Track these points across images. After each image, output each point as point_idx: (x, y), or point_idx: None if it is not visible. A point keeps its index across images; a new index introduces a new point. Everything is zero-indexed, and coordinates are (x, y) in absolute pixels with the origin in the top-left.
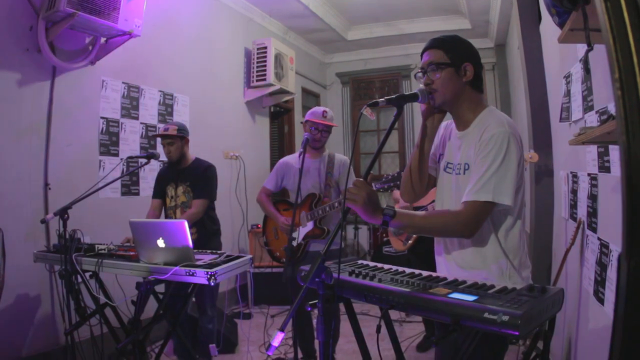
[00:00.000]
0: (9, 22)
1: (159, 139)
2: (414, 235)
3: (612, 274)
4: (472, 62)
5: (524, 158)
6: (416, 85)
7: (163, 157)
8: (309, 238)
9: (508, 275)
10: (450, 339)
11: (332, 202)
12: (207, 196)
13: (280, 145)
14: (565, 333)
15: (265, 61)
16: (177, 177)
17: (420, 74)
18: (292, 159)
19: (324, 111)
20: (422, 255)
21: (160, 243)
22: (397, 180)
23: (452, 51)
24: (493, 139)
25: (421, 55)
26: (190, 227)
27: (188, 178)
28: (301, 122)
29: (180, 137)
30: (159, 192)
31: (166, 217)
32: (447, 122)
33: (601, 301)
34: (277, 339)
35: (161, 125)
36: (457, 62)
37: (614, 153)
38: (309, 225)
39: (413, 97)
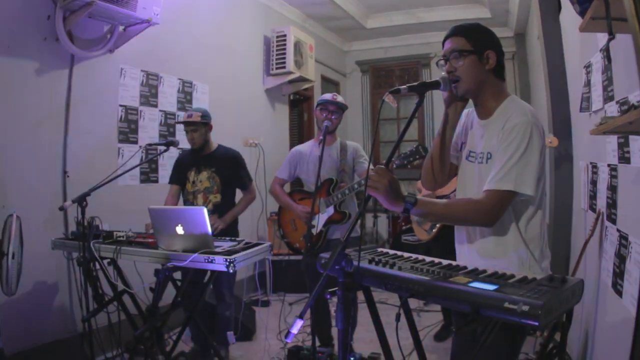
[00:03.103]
0: (27, 11)
1: (178, 126)
2: (438, 225)
3: (631, 266)
4: (494, 49)
5: (545, 147)
6: (436, 74)
7: (182, 145)
8: (330, 224)
9: (528, 265)
10: (468, 328)
11: (351, 184)
12: (250, 180)
13: (300, 132)
14: (583, 325)
15: (284, 49)
16: (200, 163)
17: (442, 62)
18: (304, 147)
19: (334, 94)
20: (445, 244)
21: (179, 230)
22: (415, 155)
23: (475, 39)
24: (516, 128)
25: (443, 43)
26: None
27: (214, 164)
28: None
29: (203, 123)
30: (178, 177)
31: (185, 202)
32: (469, 110)
33: (619, 293)
34: (296, 326)
35: (180, 113)
36: (479, 49)
37: (635, 144)
38: (329, 211)
39: (435, 85)
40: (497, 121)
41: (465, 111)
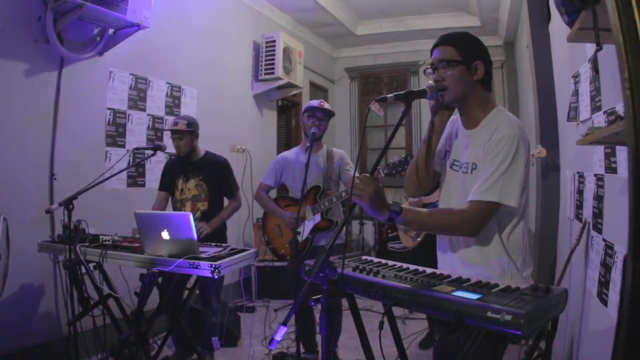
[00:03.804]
0: (18, 12)
1: (166, 131)
2: (424, 233)
3: (616, 275)
4: (482, 60)
5: (530, 160)
6: (424, 82)
7: (169, 149)
8: (317, 231)
9: (510, 274)
10: (450, 337)
11: (338, 192)
12: (237, 188)
13: (287, 139)
14: (568, 333)
15: (273, 55)
16: (188, 170)
17: (430, 70)
18: (290, 154)
19: (321, 101)
20: (431, 251)
21: (165, 235)
22: (404, 164)
23: (464, 49)
24: (503, 140)
25: (431, 52)
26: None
27: (201, 172)
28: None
29: (189, 131)
30: (167, 184)
31: (174, 209)
32: (453, 118)
33: (605, 302)
34: (280, 333)
35: (168, 118)
36: (468, 59)
37: (621, 154)
38: (316, 218)
39: (421, 94)
40: (483, 132)
41: (449, 119)
